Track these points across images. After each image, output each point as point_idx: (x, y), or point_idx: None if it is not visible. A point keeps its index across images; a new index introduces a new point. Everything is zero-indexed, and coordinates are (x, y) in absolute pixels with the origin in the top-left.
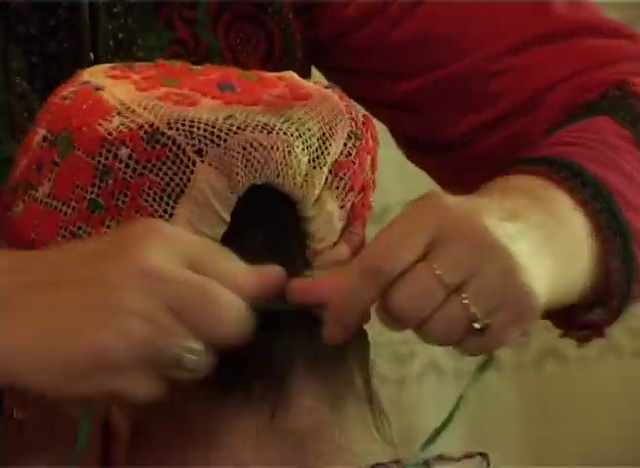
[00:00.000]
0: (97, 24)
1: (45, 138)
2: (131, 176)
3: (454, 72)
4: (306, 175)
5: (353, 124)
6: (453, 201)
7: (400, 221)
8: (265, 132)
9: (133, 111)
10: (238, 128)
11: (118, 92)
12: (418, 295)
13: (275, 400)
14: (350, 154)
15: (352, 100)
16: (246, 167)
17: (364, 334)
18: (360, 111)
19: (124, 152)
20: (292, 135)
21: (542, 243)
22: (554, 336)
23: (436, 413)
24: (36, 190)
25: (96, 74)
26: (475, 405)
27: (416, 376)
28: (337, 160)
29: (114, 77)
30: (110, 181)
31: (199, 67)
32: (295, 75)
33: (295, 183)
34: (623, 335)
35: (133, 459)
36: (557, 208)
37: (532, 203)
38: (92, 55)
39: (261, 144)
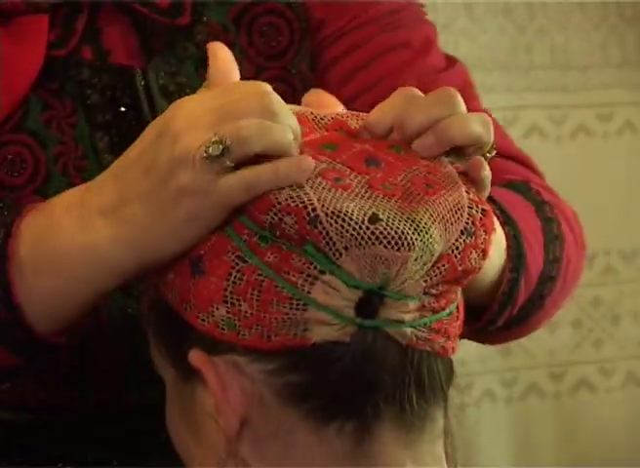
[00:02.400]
0: (154, 104)
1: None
2: (291, 239)
3: None
4: (411, 274)
5: (470, 221)
6: None
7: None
8: (396, 248)
9: (301, 187)
10: (377, 238)
11: None
12: None
13: (361, 433)
14: (457, 249)
15: None
16: (370, 272)
17: (453, 371)
18: (482, 205)
19: (289, 219)
20: (415, 249)
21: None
22: (585, 371)
23: (487, 434)
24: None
25: None
26: (522, 427)
27: (474, 402)
28: (441, 253)
29: None
30: (278, 232)
31: (359, 132)
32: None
33: (401, 284)
34: None
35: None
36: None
37: None
38: None
39: (389, 259)
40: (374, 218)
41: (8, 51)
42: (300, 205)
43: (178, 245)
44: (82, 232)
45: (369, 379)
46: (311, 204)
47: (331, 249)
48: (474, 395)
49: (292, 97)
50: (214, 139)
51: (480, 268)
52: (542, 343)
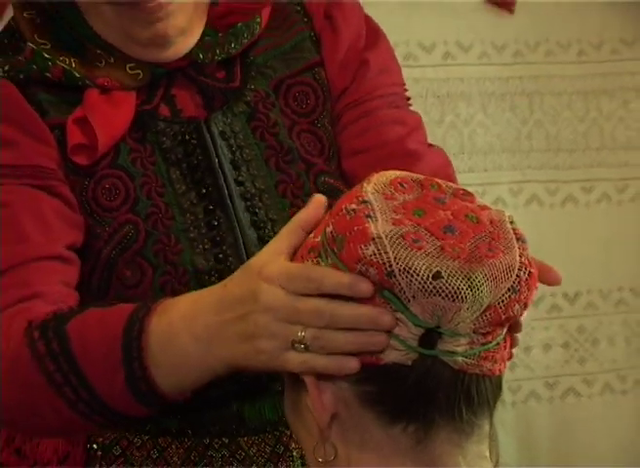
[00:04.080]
0: (215, 144)
1: (331, 232)
2: (374, 284)
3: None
4: (463, 318)
5: (517, 281)
6: None
7: None
8: (451, 300)
9: (384, 246)
10: (437, 291)
11: (380, 225)
12: None
13: (421, 434)
14: (502, 302)
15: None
16: (431, 315)
17: (500, 388)
18: (530, 268)
19: (372, 270)
20: (467, 301)
21: None
22: (572, 381)
23: (499, 429)
24: (321, 258)
25: (374, 191)
26: (524, 424)
27: None
28: (489, 304)
29: (385, 197)
30: (371, 272)
31: (446, 197)
32: (504, 217)
33: (455, 325)
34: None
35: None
36: None
37: None
38: (226, 190)
39: (445, 307)
40: (437, 275)
41: (106, 112)
42: (381, 261)
43: None
44: (194, 344)
45: (425, 395)
46: (389, 260)
47: (402, 296)
48: None
49: (317, 143)
50: (299, 340)
51: (521, 316)
52: (540, 360)
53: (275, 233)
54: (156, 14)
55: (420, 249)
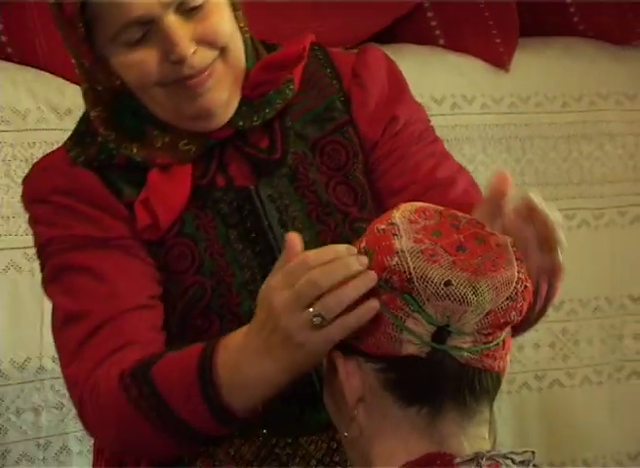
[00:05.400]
0: (264, 208)
1: (363, 247)
2: (396, 289)
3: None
4: (468, 320)
5: (514, 292)
6: None
7: None
8: (458, 304)
9: (405, 258)
10: (447, 296)
11: (404, 242)
12: None
13: (432, 415)
14: (501, 309)
15: None
16: (442, 316)
17: (500, 381)
18: (525, 282)
19: (395, 278)
20: (472, 305)
21: None
22: (557, 375)
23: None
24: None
25: (401, 216)
26: (518, 411)
27: None
28: (490, 310)
29: (410, 221)
30: (389, 284)
31: (460, 224)
32: (508, 241)
33: (462, 325)
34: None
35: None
36: None
37: None
38: (273, 241)
39: (454, 310)
40: (447, 283)
41: (167, 190)
42: (402, 270)
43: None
44: (253, 367)
45: (436, 382)
46: (409, 270)
47: (419, 298)
48: None
49: (351, 193)
50: (314, 315)
51: (517, 321)
52: (530, 357)
53: None
54: (199, 89)
55: (435, 262)
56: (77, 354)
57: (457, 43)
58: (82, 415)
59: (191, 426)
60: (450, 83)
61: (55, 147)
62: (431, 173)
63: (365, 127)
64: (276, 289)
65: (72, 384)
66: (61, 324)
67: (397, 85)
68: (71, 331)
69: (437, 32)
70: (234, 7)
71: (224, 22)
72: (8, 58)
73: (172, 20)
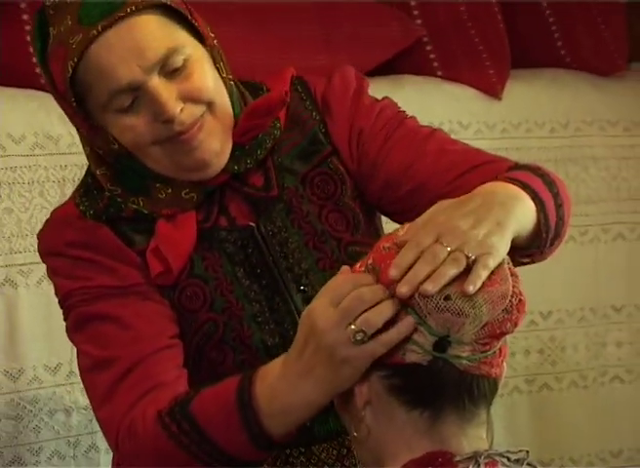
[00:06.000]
0: (266, 243)
1: (370, 264)
2: (403, 304)
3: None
4: (467, 331)
5: (509, 305)
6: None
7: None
8: (457, 316)
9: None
10: (447, 309)
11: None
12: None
13: (433, 418)
14: (497, 320)
15: None
16: (442, 327)
17: (496, 387)
18: (520, 296)
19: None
20: (469, 318)
21: (513, 209)
22: (546, 379)
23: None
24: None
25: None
26: (509, 413)
27: None
28: (487, 321)
29: (397, 245)
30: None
31: None
32: (504, 260)
33: (460, 336)
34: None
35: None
36: (520, 196)
37: (508, 193)
38: (282, 285)
39: (453, 321)
40: (447, 297)
41: (174, 238)
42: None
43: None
44: (296, 393)
45: (437, 388)
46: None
47: (420, 312)
48: None
49: (342, 219)
50: (356, 331)
51: (512, 332)
52: (521, 362)
53: None
54: (192, 143)
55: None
56: (109, 397)
57: (453, 74)
58: (121, 454)
59: (231, 455)
60: (447, 110)
61: (84, 170)
62: (435, 164)
63: (346, 154)
64: (320, 309)
65: (107, 426)
66: (90, 369)
67: (358, 97)
68: (101, 375)
69: (435, 64)
70: (214, 60)
71: (207, 79)
72: (42, 88)
73: (156, 83)
